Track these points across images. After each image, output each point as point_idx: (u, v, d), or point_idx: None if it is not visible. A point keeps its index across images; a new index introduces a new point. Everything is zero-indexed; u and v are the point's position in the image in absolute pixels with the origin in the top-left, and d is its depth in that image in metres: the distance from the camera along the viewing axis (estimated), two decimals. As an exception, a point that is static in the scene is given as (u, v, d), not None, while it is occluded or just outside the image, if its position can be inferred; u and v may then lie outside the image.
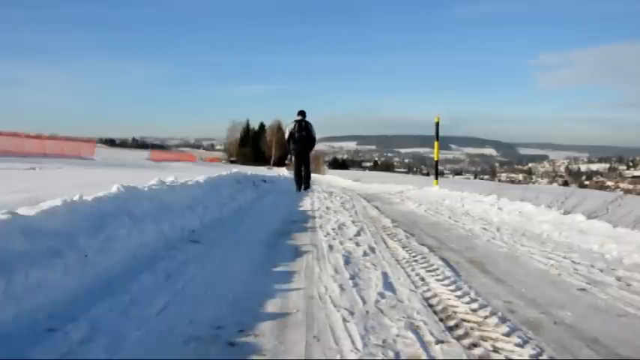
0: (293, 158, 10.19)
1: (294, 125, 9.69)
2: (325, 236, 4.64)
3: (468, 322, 2.40)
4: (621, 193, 10.44)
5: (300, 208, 7.25)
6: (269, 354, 1.96)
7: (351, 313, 2.42)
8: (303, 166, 10.07)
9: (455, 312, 2.54)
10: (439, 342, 2.11)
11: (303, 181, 10.12)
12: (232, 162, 64.58)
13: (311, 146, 9.98)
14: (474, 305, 2.64)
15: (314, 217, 6.11)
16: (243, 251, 3.91)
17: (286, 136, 10.07)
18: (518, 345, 2.12)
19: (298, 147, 9.75)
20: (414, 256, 3.87)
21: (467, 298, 2.76)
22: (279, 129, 71.97)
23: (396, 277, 3.19)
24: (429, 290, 2.92)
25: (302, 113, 9.85)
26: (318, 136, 10.46)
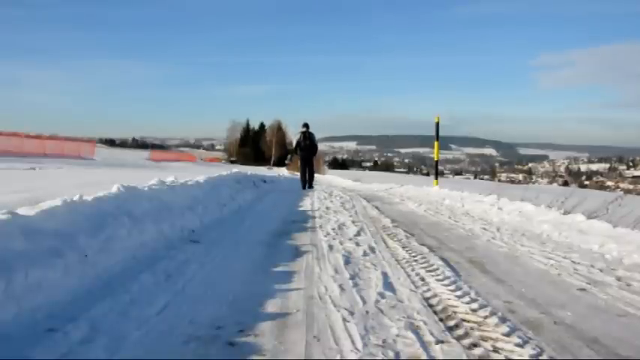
0: (299, 162, 12.15)
1: (300, 135, 11.62)
2: (325, 236, 4.65)
3: (468, 322, 2.40)
4: (621, 193, 10.45)
5: (300, 208, 7.25)
6: (269, 354, 1.96)
7: (351, 313, 2.42)
8: (308, 169, 11.84)
9: (455, 312, 2.54)
10: (439, 342, 2.11)
11: (307, 181, 11.85)
12: (232, 162, 64.52)
13: (314, 152, 11.93)
14: (474, 305, 2.64)
15: (314, 217, 6.11)
16: (243, 251, 3.91)
17: (294, 144, 12.25)
18: (518, 345, 2.12)
19: (304, 153, 11.66)
20: (414, 256, 3.87)
21: (467, 298, 2.77)
22: (279, 129, 71.98)
23: (396, 277, 3.19)
24: (429, 290, 2.92)
25: (306, 125, 11.60)
26: (318, 136, 12.21)
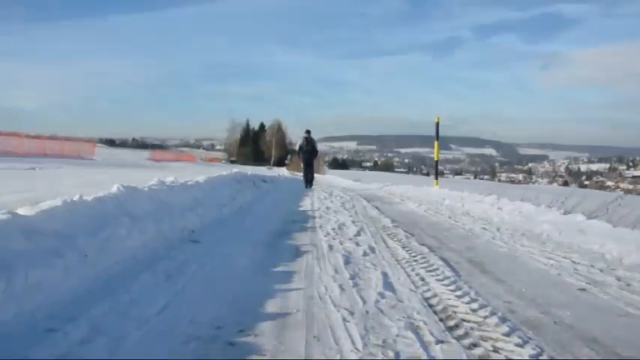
0: (301, 163, 13.81)
1: (303, 140, 12.99)
2: (325, 236, 4.65)
3: (468, 322, 2.40)
4: (621, 193, 10.45)
5: (300, 208, 7.25)
6: (269, 354, 1.96)
7: (351, 313, 2.42)
8: (309, 170, 13.24)
9: (455, 312, 2.54)
10: (439, 342, 2.11)
11: (308, 180, 13.18)
12: (232, 162, 64.45)
13: (315, 156, 13.38)
14: (474, 305, 2.64)
15: (314, 217, 6.11)
16: (243, 251, 3.91)
17: (297, 149, 14.02)
18: (518, 345, 2.12)
19: (306, 157, 13.04)
20: (414, 256, 3.87)
21: (467, 298, 2.77)
22: (279, 129, 71.98)
23: (396, 277, 3.19)
24: (429, 290, 2.92)
25: (308, 132, 12.94)
26: (318, 136, 13.65)
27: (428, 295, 2.83)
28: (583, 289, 3.07)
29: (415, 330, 2.23)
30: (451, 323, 2.37)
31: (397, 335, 2.16)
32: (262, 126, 79.41)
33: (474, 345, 2.11)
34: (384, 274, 3.22)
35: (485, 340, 2.17)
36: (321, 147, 16.06)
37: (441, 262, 3.65)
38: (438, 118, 12.60)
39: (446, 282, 3.11)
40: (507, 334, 2.24)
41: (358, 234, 4.83)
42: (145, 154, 43.97)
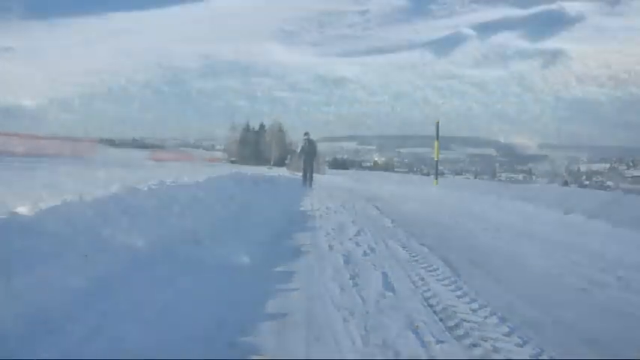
0: (302, 163, 14.45)
1: (305, 142, 13.83)
2: (325, 236, 4.64)
3: (468, 322, 2.40)
4: (621, 193, 10.45)
5: (301, 209, 7.25)
6: (269, 354, 1.96)
7: (351, 313, 2.42)
8: (309, 170, 13.77)
9: (455, 312, 2.54)
10: (439, 342, 2.11)
11: (308, 181, 13.64)
12: (232, 162, 64.37)
13: (314, 156, 14.10)
14: (474, 305, 2.64)
15: (314, 217, 6.11)
16: (243, 251, 3.90)
17: (298, 150, 15.04)
18: (518, 345, 2.12)
19: (306, 158, 13.71)
20: (414, 256, 3.87)
21: (467, 298, 2.77)
22: (279, 129, 71.98)
23: (396, 277, 3.19)
24: (429, 290, 2.92)
25: (307, 134, 13.88)
26: (318, 136, 14.41)
27: (428, 295, 2.83)
28: (583, 289, 3.07)
29: (415, 330, 2.23)
30: (451, 323, 2.37)
31: (397, 335, 2.16)
32: (262, 126, 79.37)
33: (474, 345, 2.11)
34: (384, 274, 3.22)
35: (485, 340, 2.17)
36: (321, 147, 16.53)
37: (441, 262, 3.65)
38: (438, 120, 12.64)
39: (446, 282, 3.11)
40: (507, 334, 2.24)
41: (358, 234, 4.83)
42: (145, 154, 43.85)
